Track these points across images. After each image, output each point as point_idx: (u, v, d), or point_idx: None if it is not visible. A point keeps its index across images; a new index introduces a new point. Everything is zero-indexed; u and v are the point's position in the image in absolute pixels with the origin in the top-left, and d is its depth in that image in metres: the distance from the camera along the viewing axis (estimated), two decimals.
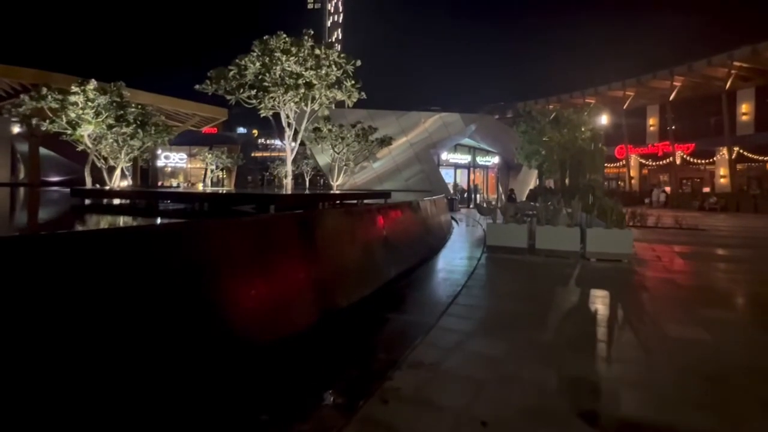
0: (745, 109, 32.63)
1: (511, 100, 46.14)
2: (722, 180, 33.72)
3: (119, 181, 14.04)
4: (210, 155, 22.89)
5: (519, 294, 6.12)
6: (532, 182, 27.21)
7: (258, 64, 9.56)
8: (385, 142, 17.16)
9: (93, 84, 11.55)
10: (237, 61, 9.63)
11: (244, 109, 10.65)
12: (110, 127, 11.82)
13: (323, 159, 17.68)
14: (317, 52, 10.02)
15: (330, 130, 15.52)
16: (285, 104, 9.72)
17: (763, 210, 28.33)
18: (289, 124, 10.25)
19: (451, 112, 23.29)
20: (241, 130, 38.52)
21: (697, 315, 5.22)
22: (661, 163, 36.73)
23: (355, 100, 10.94)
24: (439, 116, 23.06)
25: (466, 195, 27.08)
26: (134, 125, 12.56)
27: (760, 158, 31.54)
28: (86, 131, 11.80)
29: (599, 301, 5.84)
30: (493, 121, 25.18)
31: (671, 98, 35.30)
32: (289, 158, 10.24)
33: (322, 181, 29.15)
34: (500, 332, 4.46)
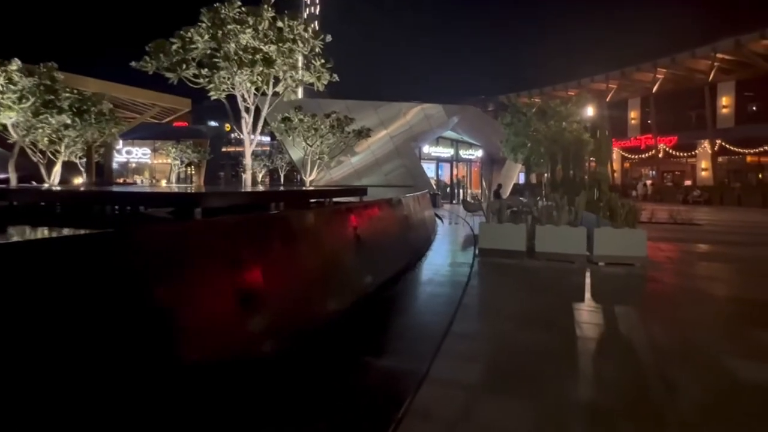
0: (726, 102, 32.46)
1: (492, 94, 45.26)
2: (704, 173, 33.56)
3: (59, 178, 12.22)
4: (174, 150, 21.00)
5: (529, 316, 4.82)
6: (516, 176, 26.23)
7: (207, 36, 7.98)
8: (363, 134, 15.77)
9: (16, 64, 9.75)
10: (181, 32, 8.02)
11: (217, 101, 9.12)
12: (36, 114, 10.03)
13: (296, 153, 16.17)
14: (279, 24, 8.50)
15: (301, 120, 14.02)
16: (241, 84, 8.17)
17: (746, 203, 28.14)
18: (247, 109, 8.71)
19: (433, 104, 22.00)
20: (214, 123, 36.42)
21: (759, 341, 4.02)
22: (643, 156, 36.40)
23: (325, 82, 9.47)
24: (420, 108, 21.74)
25: (449, 190, 25.90)
26: (69, 113, 10.77)
27: (741, 151, 31.43)
28: (8, 119, 9.98)
29: (631, 327, 4.59)
30: (476, 113, 24.02)
31: (654, 90, 34.96)
32: (248, 149, 8.69)
33: (299, 177, 27.57)
34: (520, 387, 3.13)
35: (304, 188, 9.28)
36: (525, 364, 3.52)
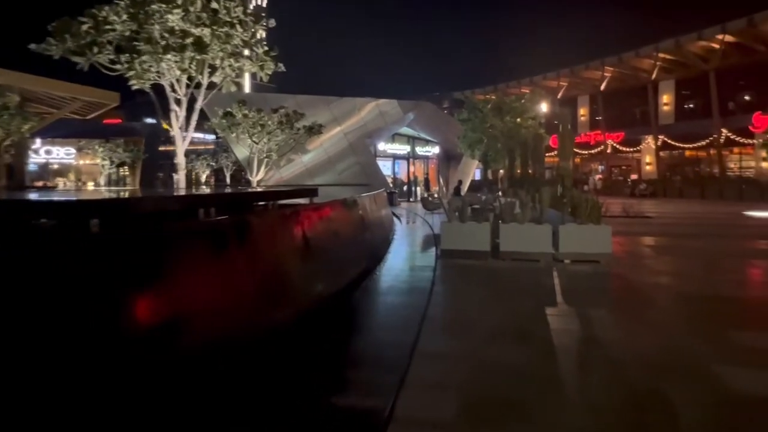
0: (667, 100, 34.58)
1: (447, 91, 45.70)
2: (648, 167, 35.59)
3: None
4: (102, 149, 19.11)
5: (502, 326, 4.39)
6: (473, 172, 26.37)
7: (126, 16, 6.98)
8: (314, 130, 15.01)
9: None
10: (94, 11, 6.97)
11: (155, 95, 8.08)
12: None
13: (241, 151, 15.13)
14: (214, 5, 7.64)
15: (246, 116, 13.06)
16: (169, 72, 7.24)
17: (687, 195, 30.06)
18: (178, 101, 7.78)
19: (388, 99, 21.56)
20: (151, 120, 33.96)
21: (742, 344, 3.81)
22: (593, 151, 38.04)
23: (270, 72, 8.70)
24: (375, 104, 21.23)
25: (406, 188, 25.59)
26: None
27: (681, 146, 33.57)
28: None
29: (611, 334, 4.27)
30: (432, 109, 23.86)
31: (602, 88, 36.68)
32: (180, 147, 7.74)
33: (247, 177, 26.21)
34: (505, 422, 2.65)
35: (245, 190, 8.46)
36: (506, 390, 3.05)
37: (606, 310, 4.99)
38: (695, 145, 32.64)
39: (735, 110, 30.70)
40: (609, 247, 7.59)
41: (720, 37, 29.18)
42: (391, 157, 24.89)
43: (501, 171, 22.60)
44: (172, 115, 7.50)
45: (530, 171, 12.91)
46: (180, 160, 7.61)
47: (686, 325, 4.48)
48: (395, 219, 14.91)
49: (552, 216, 8.27)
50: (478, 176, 28.10)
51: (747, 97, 30.99)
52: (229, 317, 3.15)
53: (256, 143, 13.21)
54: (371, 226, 8.55)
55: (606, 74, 36.48)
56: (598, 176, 37.78)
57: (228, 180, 22.21)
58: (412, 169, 26.19)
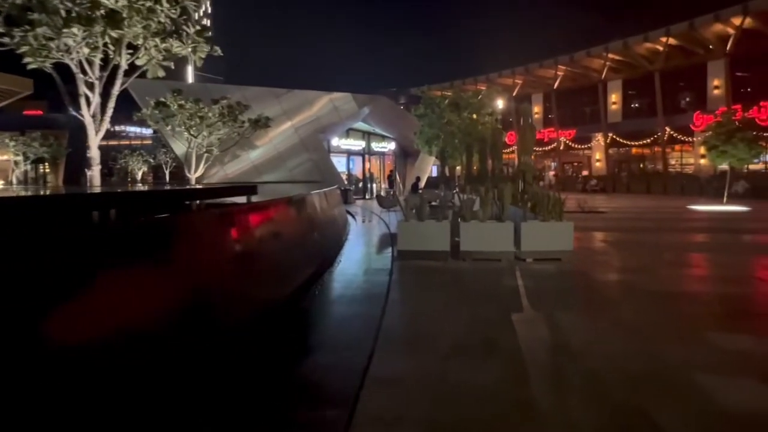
0: (615, 99, 36.23)
1: (403, 87, 45.54)
2: (598, 164, 37.16)
3: None
4: (13, 143, 17.05)
5: (466, 339, 3.95)
6: (430, 169, 26.28)
7: None
8: (261, 123, 14.14)
9: None
10: None
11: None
12: None
13: (178, 146, 13.96)
14: None
15: (182, 106, 12.01)
16: (77, 49, 6.25)
17: (634, 190, 31.66)
18: (90, 85, 6.78)
19: (342, 92, 20.88)
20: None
21: (722, 348, 3.58)
22: (546, 148, 39.22)
23: (203, 55, 7.84)
24: (328, 98, 20.49)
25: (361, 185, 25.04)
26: None
27: (628, 143, 35.30)
28: None
29: (584, 342, 3.93)
30: (388, 104, 23.44)
31: (555, 86, 37.94)
32: (93, 138, 6.73)
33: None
34: None
35: (169, 187, 7.58)
36: (475, 423, 2.57)
37: (575, 314, 4.68)
38: (641, 142, 34.40)
39: (677, 109, 32.60)
40: (571, 244, 7.43)
41: (664, 39, 30.83)
42: (346, 153, 24.22)
43: (459, 167, 22.60)
44: (82, 101, 6.48)
45: (489, 167, 12.73)
46: (93, 153, 6.59)
47: (658, 328, 4.24)
48: (350, 217, 14.33)
49: (513, 213, 8.02)
50: (435, 173, 28.05)
51: (687, 98, 33.02)
52: (123, 347, 2.46)
53: (195, 137, 12.18)
54: (322, 226, 7.93)
55: (559, 73, 37.74)
56: (551, 172, 39.04)
57: (167, 178, 20.67)
58: (367, 165, 25.67)
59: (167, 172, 20.44)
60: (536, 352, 3.61)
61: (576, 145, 38.42)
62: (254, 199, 5.24)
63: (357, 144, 24.67)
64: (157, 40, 7.16)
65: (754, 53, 28.50)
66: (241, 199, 5.22)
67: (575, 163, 40.79)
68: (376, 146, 26.10)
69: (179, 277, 3.13)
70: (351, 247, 8.92)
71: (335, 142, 23.05)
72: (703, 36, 29.53)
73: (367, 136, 25.25)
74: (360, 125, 23.45)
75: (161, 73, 7.58)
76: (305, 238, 6.38)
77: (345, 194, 19.49)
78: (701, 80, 31.05)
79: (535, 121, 41.30)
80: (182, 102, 11.91)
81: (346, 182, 22.74)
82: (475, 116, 21.22)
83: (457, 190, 15.88)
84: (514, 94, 39.10)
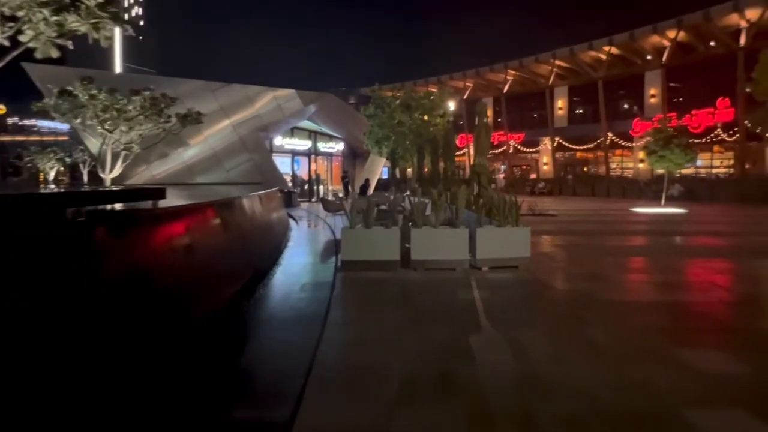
0: (561, 105, 37.75)
1: (353, 86, 44.93)
2: (545, 167, 38.48)
3: None
4: None
5: (417, 374, 3.31)
6: (380, 171, 25.77)
7: None
8: (191, 119, 12.90)
9: None
10: None
11: None
12: None
13: (92, 142, 12.42)
14: None
15: (93, 97, 10.61)
16: None
17: (580, 193, 32.94)
18: None
19: (286, 89, 19.87)
20: None
21: (697, 369, 3.20)
22: (496, 151, 40.08)
23: (109, 35, 6.71)
24: (271, 94, 19.42)
25: (307, 187, 24.03)
26: None
27: (573, 147, 36.81)
28: None
29: (556, 372, 3.42)
30: (336, 102, 22.66)
31: (505, 91, 38.92)
32: None
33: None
34: None
35: (44, 191, 6.44)
36: None
37: (539, 333, 4.20)
38: (586, 146, 35.98)
39: (618, 116, 34.38)
40: (528, 250, 7.07)
41: (607, 48, 32.40)
42: (290, 153, 23.12)
43: (409, 169, 22.27)
44: None
45: (441, 169, 12.35)
46: None
47: (629, 346, 3.85)
48: (292, 222, 13.45)
49: (467, 218, 7.56)
50: (386, 175, 27.58)
51: (627, 106, 34.93)
52: None
53: (109, 132, 10.81)
54: (255, 235, 7.07)
55: (509, 77, 38.77)
56: (501, 175, 39.96)
57: (86, 178, 18.63)
58: (313, 166, 24.69)
59: (85, 172, 18.40)
60: (502, 390, 3.04)
61: (525, 149, 39.59)
62: (164, 203, 4.36)
63: (302, 144, 23.63)
64: (46, 11, 6.00)
65: (686, 65, 30.61)
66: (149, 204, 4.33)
67: (524, 166, 42.05)
68: (323, 146, 25.19)
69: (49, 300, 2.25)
70: (290, 256, 8.09)
71: (278, 141, 21.91)
72: (641, 47, 31.32)
73: (313, 135, 24.29)
74: (306, 124, 22.49)
75: (54, 54, 6.37)
76: (230, 249, 5.51)
77: (289, 197, 18.50)
78: (640, 89, 32.95)
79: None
80: (94, 92, 10.51)
81: (290, 184, 21.68)
82: (426, 117, 20.99)
83: (409, 192, 15.44)
84: (464, 97, 39.64)
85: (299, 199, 20.90)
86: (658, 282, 6.40)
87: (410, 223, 7.08)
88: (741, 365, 3.47)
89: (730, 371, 3.35)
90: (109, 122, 10.88)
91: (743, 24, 26.71)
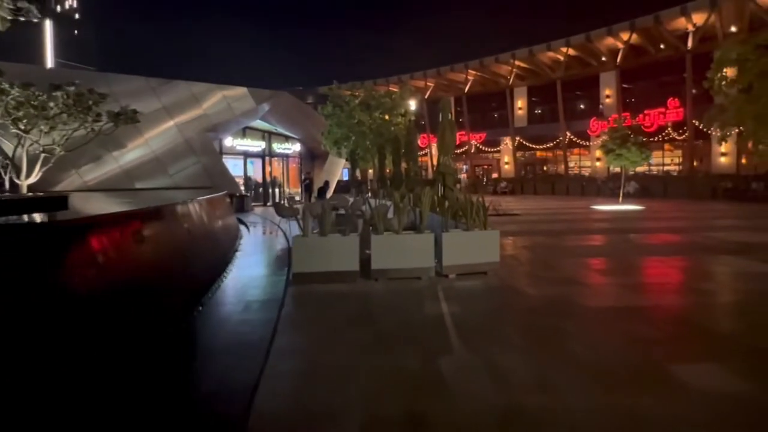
0: (521, 105, 38.40)
1: (310, 86, 43.96)
2: (506, 166, 39.02)
3: None
4: None
5: (381, 420, 2.73)
6: (340, 172, 25.05)
7: None
8: (125, 117, 11.78)
9: None
10: None
11: None
12: None
13: (6, 144, 11.05)
14: None
15: (3, 91, 9.39)
16: None
17: (540, 191, 33.57)
18: None
19: (236, 86, 18.84)
20: None
21: (701, 389, 2.81)
22: (458, 151, 40.25)
23: (7, 16, 5.81)
24: (220, 92, 18.35)
25: (261, 190, 22.94)
26: None
27: (533, 147, 37.52)
28: None
29: (541, 402, 2.93)
30: (291, 101, 21.77)
31: (466, 90, 39.18)
32: None
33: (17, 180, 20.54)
34: None
35: None
36: None
37: (519, 353, 3.73)
38: (545, 146, 36.75)
39: (576, 116, 35.31)
40: (497, 254, 6.67)
41: (564, 49, 33.19)
42: (242, 154, 21.99)
43: (371, 171, 21.73)
44: None
45: (404, 169, 11.86)
46: None
47: (618, 364, 3.44)
48: (244, 229, 12.57)
49: (431, 221, 7.08)
50: (347, 176, 26.91)
51: (584, 106, 35.95)
52: None
53: (25, 132, 9.62)
54: (194, 248, 6.27)
55: (469, 77, 39.06)
56: (463, 174, 40.22)
57: (6, 185, 16.84)
58: (268, 168, 23.65)
59: (6, 178, 16.63)
60: (482, 424, 2.51)
61: (486, 149, 40.01)
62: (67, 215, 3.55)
63: (256, 145, 22.52)
64: None
65: (639, 66, 31.83)
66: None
67: (485, 166, 42.51)
68: (278, 147, 24.15)
69: None
70: (237, 270, 7.31)
71: (229, 142, 20.77)
72: (597, 48, 32.28)
73: (267, 136, 23.25)
74: (259, 124, 21.47)
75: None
76: (164, 264, 4.72)
77: (241, 201, 17.51)
78: (596, 89, 33.98)
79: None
80: (5, 86, 9.29)
81: (242, 188, 20.60)
82: (387, 117, 20.53)
83: (369, 194, 14.87)
84: (426, 96, 39.60)
85: (253, 204, 19.87)
86: (633, 284, 6.13)
87: (371, 229, 6.52)
88: (747, 383, 3.12)
89: (738, 391, 2.98)
90: (24, 121, 9.66)
91: (690, 28, 27.99)
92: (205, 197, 8.05)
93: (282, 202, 15.18)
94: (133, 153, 15.67)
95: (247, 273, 7.19)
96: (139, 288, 3.91)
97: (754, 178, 24.77)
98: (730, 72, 12.69)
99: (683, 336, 4.19)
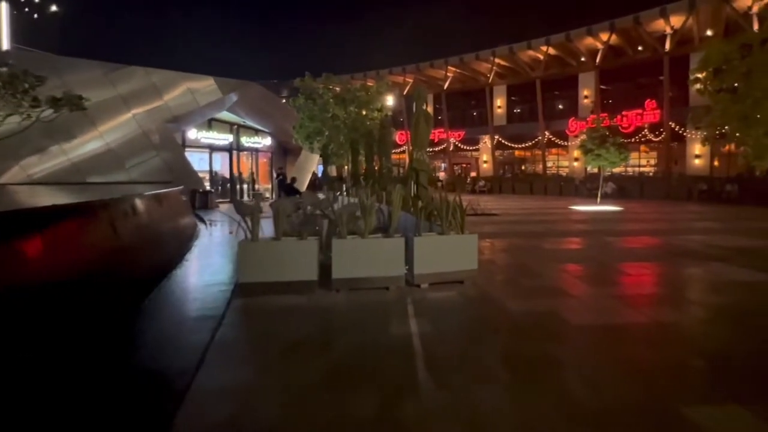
0: (500, 103, 38.07)
1: (285, 78, 42.64)
2: (485, 165, 38.68)
3: None
4: None
5: None
6: (314, 168, 24.09)
7: None
8: (66, 102, 10.63)
9: None
10: None
11: None
12: None
13: None
14: None
15: None
16: None
17: (519, 191, 33.31)
18: None
19: (201, 75, 17.70)
20: None
21: None
22: (436, 149, 39.75)
23: None
24: (183, 81, 17.18)
25: (229, 186, 21.78)
26: None
27: (512, 146, 37.27)
28: None
29: None
30: (261, 92, 20.66)
31: (445, 87, 38.63)
32: None
33: None
34: None
35: None
36: None
37: (503, 391, 3.01)
38: (524, 145, 36.53)
39: (555, 115, 35.18)
40: (475, 261, 5.98)
41: (544, 48, 32.95)
42: (208, 148, 20.81)
43: (347, 167, 20.91)
44: None
45: (376, 165, 11.10)
46: None
47: (630, 407, 2.75)
48: (202, 227, 11.60)
49: (404, 223, 6.34)
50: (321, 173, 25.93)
51: (562, 106, 35.86)
52: None
53: None
54: (129, 251, 5.35)
55: (449, 74, 38.49)
56: (441, 173, 39.75)
57: None
58: (236, 163, 22.47)
59: None
60: None
61: (465, 147, 39.58)
62: None
63: (223, 138, 21.31)
64: None
65: (617, 68, 31.85)
66: None
67: (464, 165, 42.10)
68: (247, 141, 22.97)
69: None
70: (179, 278, 6.41)
71: (193, 135, 19.55)
72: (577, 48, 32.14)
73: (236, 128, 22.10)
74: (227, 116, 20.33)
75: None
76: (82, 277, 3.82)
77: (205, 198, 16.43)
78: (575, 90, 33.91)
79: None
80: None
81: (207, 184, 19.46)
82: (365, 112, 19.73)
83: (341, 192, 14.05)
84: (405, 92, 38.93)
85: (219, 200, 18.77)
86: (624, 296, 5.52)
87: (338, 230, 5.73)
88: None
89: None
90: None
91: (668, 30, 28.08)
92: (149, 193, 7.12)
93: (243, 199, 14.18)
94: (84, 145, 14.42)
95: (191, 281, 6.30)
96: (17, 311, 3.02)
97: (727, 180, 24.98)
98: (708, 72, 12.38)
99: (691, 364, 3.55)
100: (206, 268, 7.23)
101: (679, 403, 2.85)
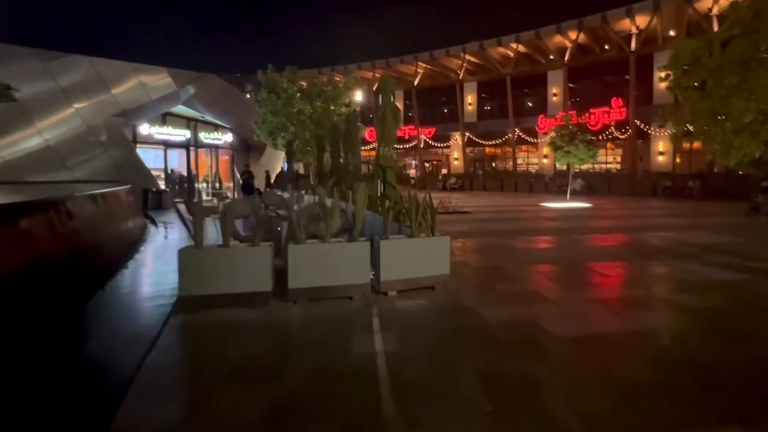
0: (470, 100, 38.14)
1: (250, 72, 41.37)
2: (456, 162, 38.71)
3: None
4: None
5: None
6: (280, 166, 23.28)
7: None
8: None
9: None
10: None
11: None
12: None
13: None
14: None
15: None
16: None
17: (489, 188, 33.44)
18: None
19: (153, 66, 16.66)
20: None
21: None
22: (407, 146, 39.51)
23: None
24: (133, 72, 16.11)
25: (187, 185, 20.72)
26: None
27: (483, 143, 37.41)
28: None
29: None
30: (220, 85, 19.72)
31: (416, 84, 38.37)
32: None
33: None
34: None
35: None
36: None
37: (483, 422, 2.58)
38: (494, 142, 36.72)
39: (524, 113, 35.50)
40: (446, 265, 5.58)
41: (514, 45, 33.15)
42: (162, 144, 19.69)
43: (313, 164, 20.27)
44: None
45: (342, 162, 10.60)
46: None
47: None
48: (152, 228, 10.77)
49: (370, 224, 5.87)
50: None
51: (532, 103, 36.23)
52: None
53: None
54: (53, 260, 4.66)
55: (419, 70, 38.28)
56: (411, 170, 39.52)
57: None
58: (194, 160, 21.40)
59: None
60: None
61: (436, 144, 39.47)
62: None
63: (178, 133, 20.21)
64: None
65: (585, 66, 32.40)
66: None
67: (435, 162, 42.01)
68: (206, 137, 21.91)
69: None
70: (115, 289, 5.72)
71: (146, 130, 18.42)
72: (546, 46, 32.49)
73: (193, 124, 21.03)
74: (183, 110, 19.29)
75: None
76: None
77: (159, 198, 15.46)
78: (544, 87, 34.31)
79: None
80: None
81: (162, 183, 18.40)
82: (332, 107, 19.14)
83: (306, 191, 13.44)
84: (374, 88, 38.39)
85: (177, 200, 17.77)
86: (604, 300, 5.24)
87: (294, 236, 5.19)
88: None
89: None
90: None
91: (634, 30, 28.73)
92: (81, 194, 6.37)
93: (196, 199, 13.35)
94: (19, 142, 13.23)
95: (128, 293, 5.62)
96: None
97: (689, 177, 25.74)
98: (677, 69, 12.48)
99: (688, 379, 3.23)
100: (147, 277, 6.54)
101: (681, 427, 2.50)
